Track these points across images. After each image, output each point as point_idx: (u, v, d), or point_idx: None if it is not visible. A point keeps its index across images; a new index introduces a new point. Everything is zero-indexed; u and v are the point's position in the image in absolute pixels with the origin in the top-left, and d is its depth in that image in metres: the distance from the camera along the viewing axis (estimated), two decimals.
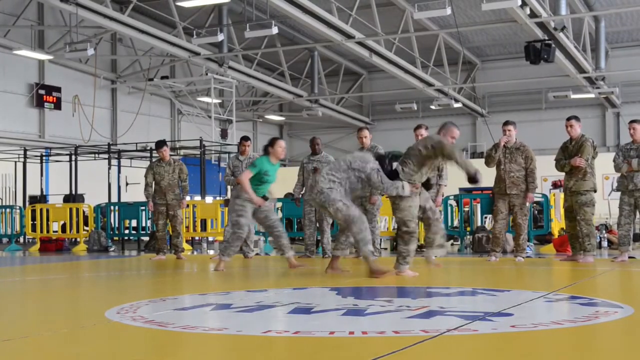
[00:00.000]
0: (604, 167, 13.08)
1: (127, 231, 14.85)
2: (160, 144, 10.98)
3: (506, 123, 9.70)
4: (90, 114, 20.59)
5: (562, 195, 10.29)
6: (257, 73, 22.42)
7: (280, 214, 15.41)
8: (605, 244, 13.66)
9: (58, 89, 20.36)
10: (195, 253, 13.40)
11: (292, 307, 4.65)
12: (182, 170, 10.90)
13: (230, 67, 20.61)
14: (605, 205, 17.71)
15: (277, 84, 23.24)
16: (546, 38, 16.66)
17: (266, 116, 27.72)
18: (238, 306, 4.72)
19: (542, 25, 16.46)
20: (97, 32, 19.45)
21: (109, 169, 17.66)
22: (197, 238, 15.99)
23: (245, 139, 11.11)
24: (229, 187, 11.48)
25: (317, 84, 24.52)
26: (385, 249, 13.63)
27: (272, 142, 7.96)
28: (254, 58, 23.23)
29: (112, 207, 14.81)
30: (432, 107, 24.24)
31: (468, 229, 12.60)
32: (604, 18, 20.53)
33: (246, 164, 10.82)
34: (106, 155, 18.19)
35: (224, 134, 22.24)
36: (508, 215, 9.66)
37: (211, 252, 13.35)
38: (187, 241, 14.52)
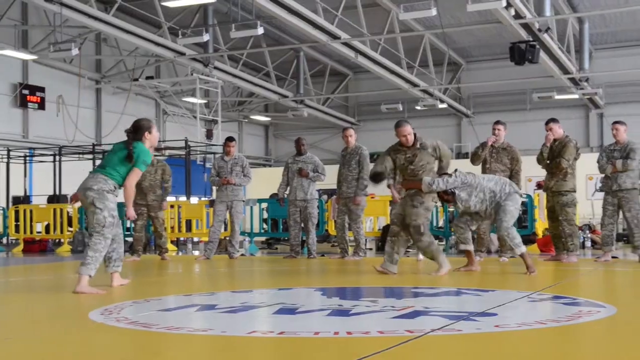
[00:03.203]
0: (587, 168, 13.18)
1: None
2: None
3: (497, 123, 9.74)
4: (74, 114, 20.47)
5: (545, 195, 10.35)
6: (243, 73, 22.39)
7: (265, 214, 15.41)
8: (588, 243, 13.76)
9: (42, 89, 20.24)
10: (180, 254, 13.36)
11: (277, 308, 4.64)
12: (165, 171, 10.86)
13: (215, 68, 20.56)
14: (588, 206, 17.85)
15: (262, 84, 23.21)
16: (531, 39, 16.75)
17: (252, 116, 27.68)
18: (223, 307, 4.71)
19: (526, 27, 16.54)
20: (81, 31, 19.35)
21: (94, 169, 17.56)
22: (182, 239, 15.94)
23: (230, 139, 11.08)
24: (214, 187, 11.46)
25: (302, 84, 24.52)
26: (371, 249, 13.66)
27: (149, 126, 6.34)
28: (239, 58, 23.20)
29: None
30: (418, 107, 24.30)
31: (453, 229, 12.64)
32: (587, 19, 20.66)
33: (231, 164, 10.82)
34: (90, 156, 18.10)
35: (209, 135, 22.19)
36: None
37: (196, 252, 13.31)
38: (172, 242, 14.47)
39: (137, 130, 6.23)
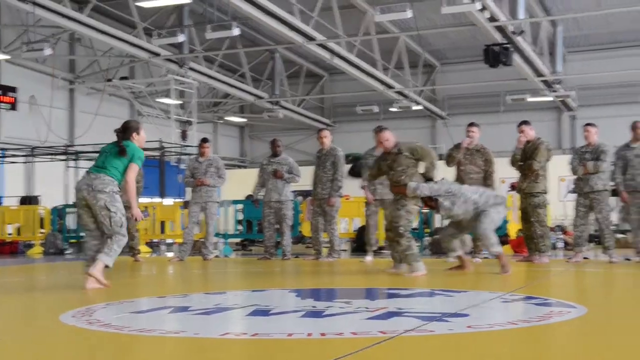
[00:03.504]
0: (560, 169, 13.30)
1: (84, 234, 14.66)
2: None
3: (471, 124, 9.81)
4: (47, 115, 20.27)
5: (518, 197, 10.43)
6: (218, 74, 22.30)
7: (240, 216, 15.38)
8: (560, 244, 13.90)
9: (14, 89, 20.00)
10: (153, 255, 13.29)
11: (250, 309, 4.64)
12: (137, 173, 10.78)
13: (190, 68, 20.46)
14: (561, 207, 18.02)
15: (238, 85, 23.14)
16: (505, 42, 16.87)
17: (227, 118, 27.58)
18: (196, 309, 4.69)
19: (500, 29, 16.66)
20: (55, 31, 19.16)
21: (67, 170, 17.40)
22: (155, 240, 15.85)
23: (205, 140, 11.06)
24: (188, 189, 11.42)
25: (278, 85, 24.49)
26: (345, 250, 13.68)
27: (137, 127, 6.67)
28: (214, 59, 23.11)
29: (69, 210, 14.60)
30: (393, 109, 24.38)
31: (427, 230, 12.70)
32: (561, 22, 20.88)
33: (206, 165, 10.78)
34: (63, 157, 17.92)
35: (184, 136, 22.07)
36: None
37: (170, 254, 13.25)
38: (146, 243, 14.38)
39: (126, 131, 6.53)
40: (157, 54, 18.93)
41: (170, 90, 20.68)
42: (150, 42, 18.29)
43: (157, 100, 22.93)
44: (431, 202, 7.50)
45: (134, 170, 6.36)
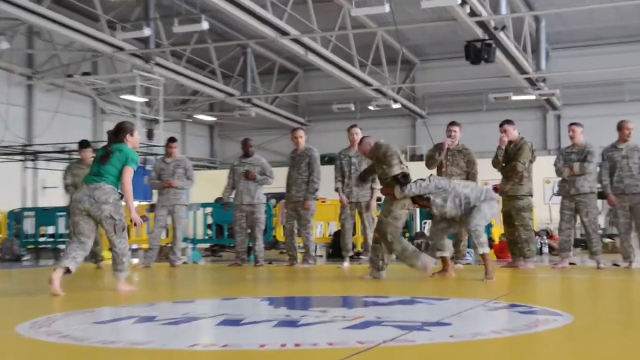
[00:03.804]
0: (544, 171, 13.41)
1: (42, 239, 14.49)
2: (85, 144, 10.83)
3: (453, 123, 9.84)
4: (4, 112, 20.03)
5: (501, 199, 10.49)
6: (186, 70, 22.21)
7: (210, 220, 15.31)
8: (546, 249, 14.00)
9: None
10: None
11: (220, 319, 4.61)
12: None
13: (157, 64, 20.35)
14: (546, 210, 18.15)
15: (207, 82, 23.06)
16: (486, 38, 16.99)
17: (196, 116, 27.47)
18: (163, 318, 4.65)
19: (482, 25, 16.77)
20: (12, 24, 18.94)
21: (24, 171, 17.21)
22: None
23: (172, 140, 11.00)
24: (155, 191, 11.34)
25: (249, 82, 24.44)
26: (321, 256, 13.67)
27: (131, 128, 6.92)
28: (182, 54, 23.00)
29: (26, 213, 14.43)
30: (371, 107, 24.44)
31: (407, 234, 12.73)
32: (544, 18, 21.06)
33: (173, 166, 10.72)
34: (21, 157, 17.72)
35: (150, 135, 21.94)
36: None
37: (135, 260, 13.14)
38: (109, 249, 14.26)
39: (119, 132, 6.74)
40: (121, 49, 18.80)
41: (135, 87, 20.54)
42: (114, 36, 18.16)
43: (122, 97, 22.77)
44: (422, 201, 7.57)
45: (130, 173, 6.58)
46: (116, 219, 6.55)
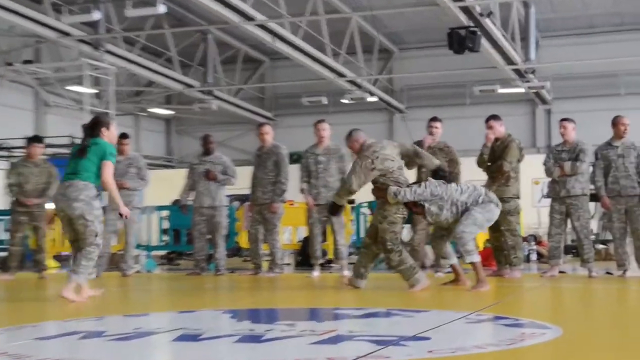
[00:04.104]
0: (533, 171, 13.52)
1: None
2: (36, 139, 10.80)
3: (434, 119, 9.90)
4: None
5: None
6: (141, 59, 22.05)
7: (166, 224, 15.25)
8: (534, 256, 14.13)
9: None
10: (63, 271, 13.08)
11: (177, 334, 4.60)
12: (51, 174, 10.63)
13: (107, 51, 20.18)
14: (534, 214, 18.31)
15: (164, 71, 22.93)
16: (471, 25, 17.08)
17: (151, 109, 27.30)
18: (113, 333, 4.64)
19: (466, 10, 16.86)
20: None
21: None
22: (65, 253, 15.58)
23: (124, 136, 10.94)
24: (104, 192, 11.26)
25: (211, 72, 24.34)
26: (289, 264, 13.67)
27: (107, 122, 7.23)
28: (136, 41, 22.85)
29: None
30: (344, 100, 24.46)
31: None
32: (533, 3, 21.21)
33: (125, 165, 10.66)
34: None
35: None
36: (428, 225, 9.86)
37: (93, 276, 13.06)
38: (53, 257, 14.15)
39: (95, 126, 6.98)
40: (67, 34, 18.63)
41: (83, 77, 20.36)
42: (59, 20, 17.99)
43: (68, 88, 22.56)
44: (417, 208, 7.65)
45: (109, 168, 6.79)
46: (88, 220, 6.69)
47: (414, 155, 8.01)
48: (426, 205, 7.55)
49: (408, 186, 7.55)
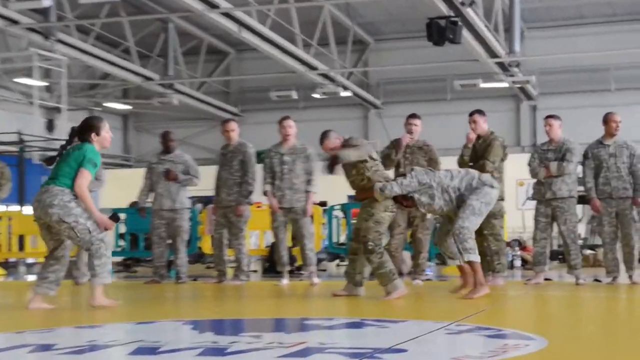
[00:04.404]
0: (518, 171, 13.63)
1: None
2: None
3: (413, 116, 9.93)
4: None
5: None
6: (95, 49, 21.94)
7: (122, 228, 15.17)
8: (518, 263, 14.24)
9: None
10: (10, 279, 12.98)
11: (133, 347, 4.59)
12: (3, 174, 10.55)
13: (59, 41, 20.06)
14: (518, 217, 18.44)
15: (120, 63, 22.82)
16: (452, 14, 17.17)
17: (106, 104, 27.17)
18: (64, 347, 4.61)
19: None
20: None
21: None
22: (12, 260, 15.46)
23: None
24: None
25: (172, 64, 24.26)
26: (256, 271, 13.67)
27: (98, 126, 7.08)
28: (90, 30, 22.73)
29: None
30: (316, 95, 24.49)
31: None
32: None
33: None
34: None
35: (50, 126, 21.63)
36: (406, 229, 9.91)
37: (31, 277, 12.96)
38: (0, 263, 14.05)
39: (84, 131, 6.95)
40: (15, 22, 18.49)
41: (32, 69, 20.23)
42: (6, 7, 17.85)
43: (16, 80, 22.39)
44: (407, 201, 7.69)
45: (83, 177, 6.69)
46: (70, 222, 6.67)
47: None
48: (416, 196, 7.58)
49: (395, 180, 7.59)
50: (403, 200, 7.68)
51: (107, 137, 7.03)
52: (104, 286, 6.92)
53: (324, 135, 7.97)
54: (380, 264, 7.61)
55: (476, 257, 7.60)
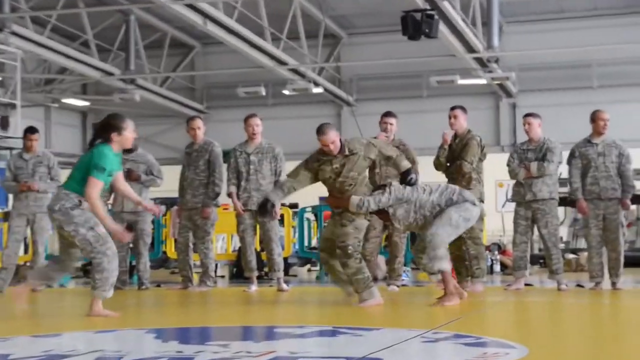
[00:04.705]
0: (497, 172, 13.69)
1: None
2: None
3: (387, 114, 9.96)
4: None
5: None
6: (52, 42, 21.78)
7: None
8: (497, 267, 14.32)
9: None
10: None
11: (93, 357, 4.57)
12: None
13: (13, 33, 19.91)
14: (498, 220, 18.54)
15: (79, 57, 22.67)
16: (428, 7, 17.22)
17: (64, 100, 27.00)
18: (19, 357, 4.58)
19: None
20: None
21: None
22: None
23: (31, 130, 10.82)
24: (10, 195, 11.13)
25: (133, 58, 24.13)
26: (223, 276, 13.64)
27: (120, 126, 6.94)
28: (47, 21, 22.58)
29: None
30: (285, 92, 24.45)
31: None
32: None
33: (34, 164, 10.52)
34: None
35: (4, 123, 21.45)
36: (382, 232, 9.93)
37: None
38: None
39: (104, 130, 6.85)
40: None
41: None
42: None
43: None
44: (381, 215, 7.82)
45: (92, 185, 6.61)
46: (70, 231, 6.67)
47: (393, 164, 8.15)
48: (390, 210, 7.65)
49: (372, 195, 7.63)
50: (377, 213, 7.82)
51: (129, 137, 6.93)
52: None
53: (325, 128, 7.87)
54: (358, 269, 7.67)
55: (446, 266, 7.65)
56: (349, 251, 7.64)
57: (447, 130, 9.79)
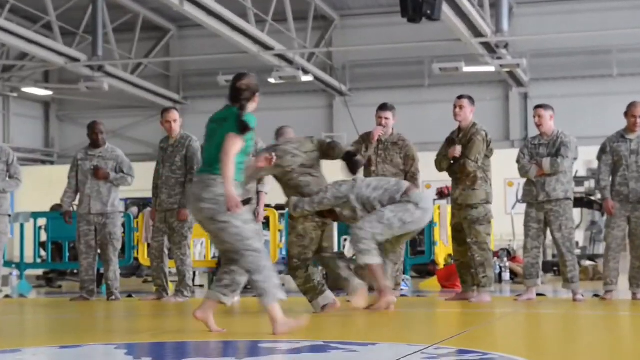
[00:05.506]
0: (507, 170, 13.71)
1: None
2: None
3: (383, 108, 9.95)
4: None
5: (449, 208, 10.66)
6: (11, 24, 21.77)
7: (44, 236, 15.07)
8: (506, 276, 14.32)
9: None
10: None
11: None
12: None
13: None
14: (507, 223, 18.54)
15: (41, 41, 22.66)
16: None
17: (24, 89, 26.97)
18: None
19: None
20: None
21: None
22: None
23: None
24: None
25: (101, 43, 24.09)
26: (202, 286, 13.64)
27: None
28: (5, 2, 22.57)
29: None
30: (272, 80, 24.45)
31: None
32: None
33: None
34: None
35: None
36: None
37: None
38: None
39: (238, 93, 6.86)
40: None
41: None
42: None
43: None
44: (330, 215, 7.99)
45: (231, 142, 6.61)
46: (223, 222, 6.54)
47: (328, 148, 8.15)
48: (337, 210, 7.87)
49: (311, 197, 7.78)
50: (327, 214, 7.97)
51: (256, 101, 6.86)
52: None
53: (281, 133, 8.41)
54: (307, 278, 7.92)
55: (373, 259, 7.83)
56: (294, 264, 7.91)
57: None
